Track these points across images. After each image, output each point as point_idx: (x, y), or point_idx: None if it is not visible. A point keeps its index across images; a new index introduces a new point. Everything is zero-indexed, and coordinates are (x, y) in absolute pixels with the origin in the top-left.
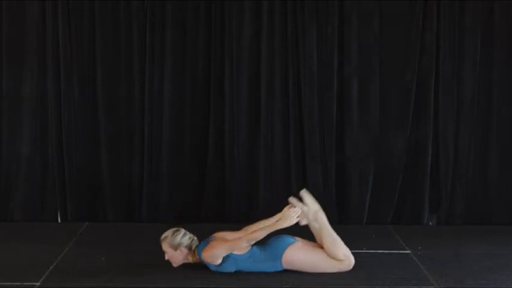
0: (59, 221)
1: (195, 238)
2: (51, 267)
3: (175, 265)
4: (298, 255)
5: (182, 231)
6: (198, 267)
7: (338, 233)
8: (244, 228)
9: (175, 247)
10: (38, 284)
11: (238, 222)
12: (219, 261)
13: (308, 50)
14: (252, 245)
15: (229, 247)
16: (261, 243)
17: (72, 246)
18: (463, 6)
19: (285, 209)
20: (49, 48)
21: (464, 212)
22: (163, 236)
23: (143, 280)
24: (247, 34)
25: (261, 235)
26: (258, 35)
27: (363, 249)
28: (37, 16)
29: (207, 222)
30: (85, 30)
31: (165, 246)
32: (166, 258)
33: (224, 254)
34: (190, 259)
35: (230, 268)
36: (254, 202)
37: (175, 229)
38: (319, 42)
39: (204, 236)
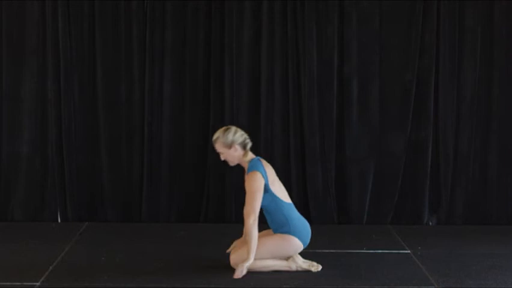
0: (59, 221)
1: (247, 136)
2: (51, 267)
3: (231, 164)
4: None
5: (233, 128)
6: (197, 268)
7: (338, 233)
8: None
9: (229, 145)
10: (38, 284)
11: (238, 223)
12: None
13: (308, 50)
14: (292, 204)
15: (254, 199)
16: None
17: (72, 246)
18: (463, 6)
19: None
20: (49, 48)
21: (464, 212)
22: (215, 136)
23: (143, 280)
24: (247, 34)
25: (253, 243)
26: (258, 35)
27: (363, 249)
28: (37, 16)
29: (207, 223)
30: (85, 30)
31: (219, 147)
32: (222, 159)
33: (253, 195)
34: (244, 160)
35: (264, 200)
36: None
37: (225, 128)
38: (319, 42)
39: (203, 237)
